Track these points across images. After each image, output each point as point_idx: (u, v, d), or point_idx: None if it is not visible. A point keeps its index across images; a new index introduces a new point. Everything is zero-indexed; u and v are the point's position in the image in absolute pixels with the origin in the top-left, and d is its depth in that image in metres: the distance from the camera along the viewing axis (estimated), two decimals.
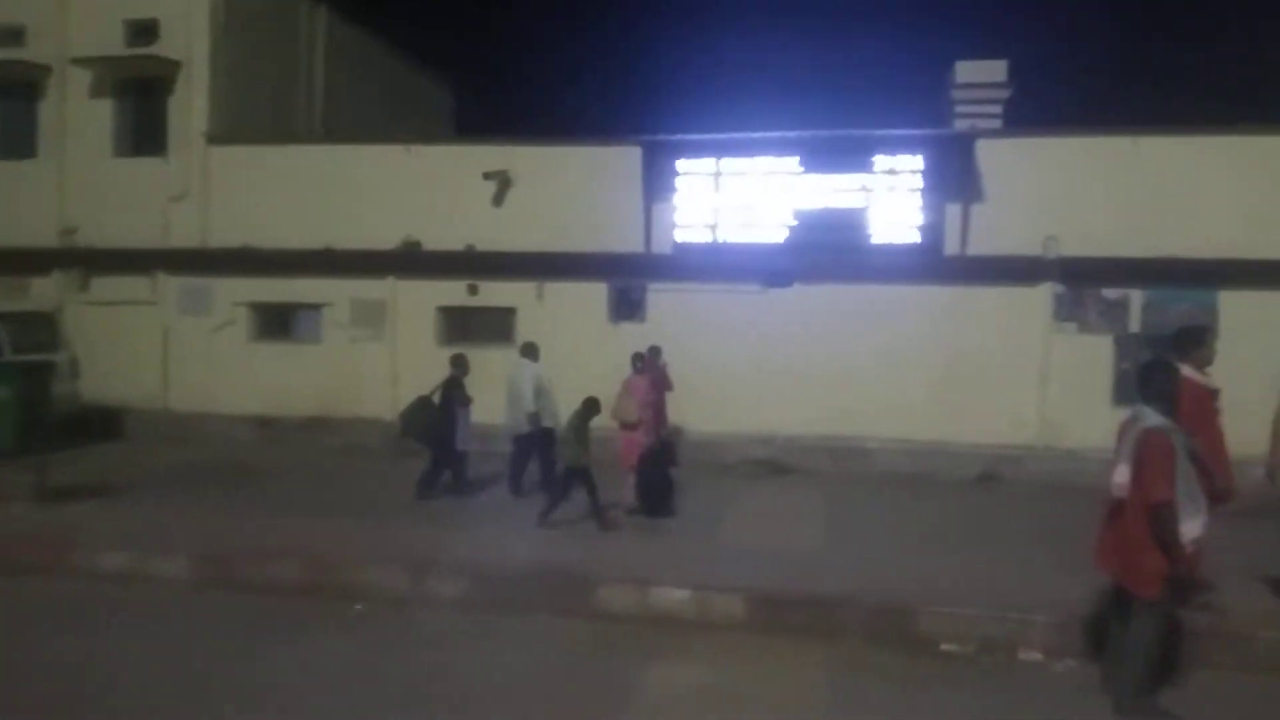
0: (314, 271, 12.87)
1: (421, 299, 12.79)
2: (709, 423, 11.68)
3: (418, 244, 12.72)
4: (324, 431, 12.53)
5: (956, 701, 4.98)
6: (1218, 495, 5.39)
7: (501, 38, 32.05)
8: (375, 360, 12.84)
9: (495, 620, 6.09)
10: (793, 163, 11.81)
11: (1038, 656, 5.56)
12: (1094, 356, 11.13)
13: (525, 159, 12.59)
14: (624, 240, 12.17)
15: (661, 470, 8.88)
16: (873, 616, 5.92)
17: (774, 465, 11.33)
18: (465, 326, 12.78)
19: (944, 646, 5.67)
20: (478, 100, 22.95)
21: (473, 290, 12.61)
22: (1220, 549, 6.05)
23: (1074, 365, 11.14)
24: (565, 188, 12.45)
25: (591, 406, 8.29)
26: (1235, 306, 10.78)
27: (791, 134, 12.03)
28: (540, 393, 9.29)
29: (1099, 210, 11.22)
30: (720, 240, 11.96)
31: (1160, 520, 4.42)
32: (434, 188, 12.81)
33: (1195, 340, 5.72)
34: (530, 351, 9.60)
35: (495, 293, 12.58)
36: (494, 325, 12.56)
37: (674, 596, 6.21)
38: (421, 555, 6.94)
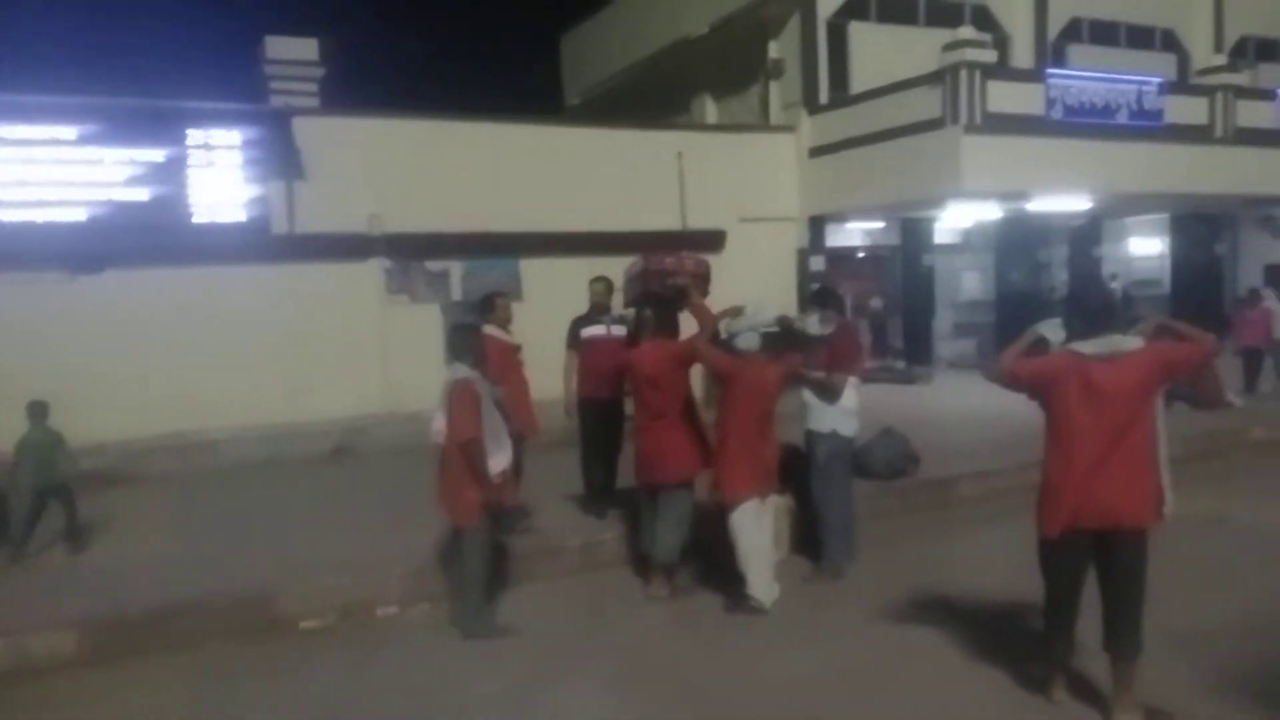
0: None
1: None
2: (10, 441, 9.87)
3: None
4: None
5: (320, 675, 5.06)
6: (523, 433, 6.33)
7: None
8: None
9: None
10: (93, 133, 10.44)
11: (394, 610, 5.92)
12: (425, 324, 12.03)
13: None
14: None
15: None
16: (229, 613, 5.68)
17: (108, 477, 10.00)
18: None
19: (304, 624, 5.70)
20: None
21: None
22: (533, 478, 7.12)
23: (409, 334, 11.90)
24: None
25: None
26: (535, 272, 12.59)
27: (87, 99, 10.64)
28: None
29: (419, 188, 12.09)
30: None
31: (470, 455, 5.05)
32: None
33: (490, 305, 6.58)
34: None
35: None
36: None
37: None
38: None
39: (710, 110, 17.47)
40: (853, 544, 6.44)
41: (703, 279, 6.28)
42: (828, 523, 6.24)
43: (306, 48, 13.31)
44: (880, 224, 16.50)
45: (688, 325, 6.04)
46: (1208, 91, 14.24)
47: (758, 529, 5.68)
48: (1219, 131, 14.11)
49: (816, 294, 6.93)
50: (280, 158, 11.38)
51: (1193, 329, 4.26)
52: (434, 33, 34.37)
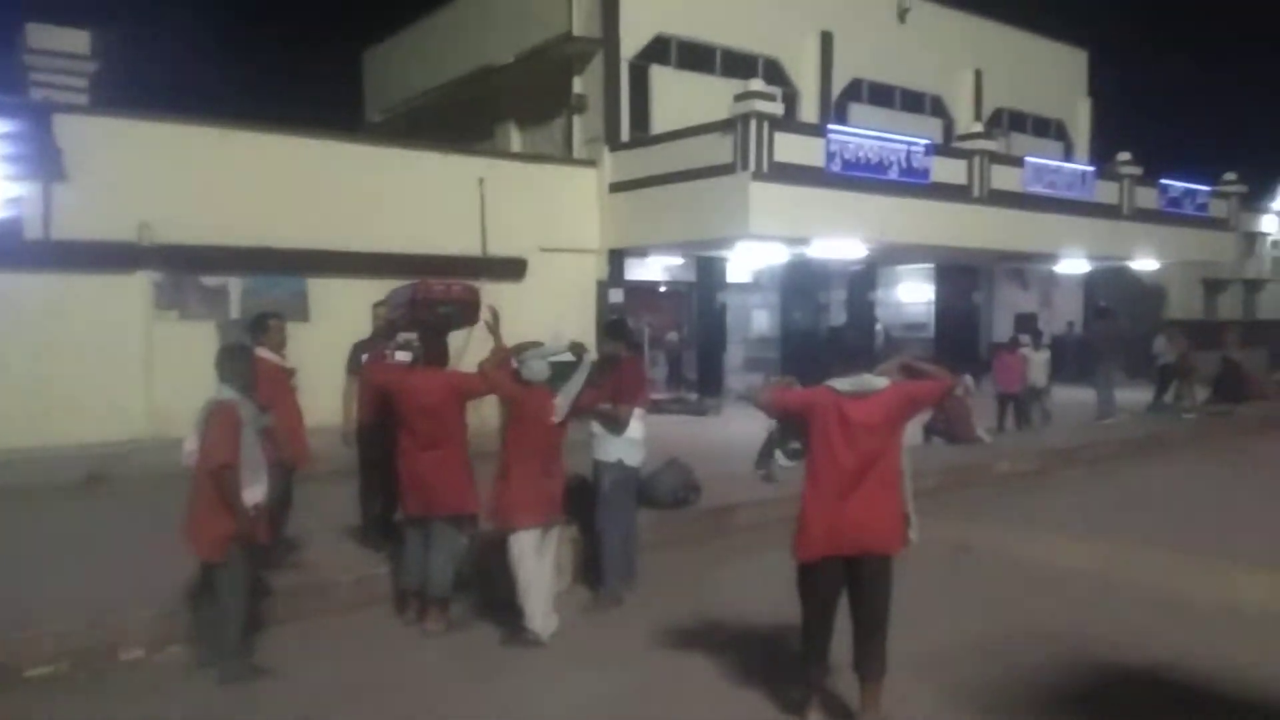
0: None
1: None
2: None
3: None
4: None
5: None
6: (295, 462, 6.02)
7: None
8: None
9: None
10: None
11: (140, 654, 5.42)
12: (197, 343, 11.21)
13: None
14: None
15: None
16: None
17: None
18: None
19: (30, 672, 5.12)
20: None
21: None
22: (306, 510, 6.78)
23: (178, 353, 11.07)
24: None
25: None
26: (323, 293, 12.08)
27: None
28: None
29: (195, 198, 11.36)
30: None
31: (222, 483, 4.73)
32: None
33: (263, 326, 6.24)
34: None
35: None
36: None
37: None
38: None
39: (514, 138, 17.52)
40: (633, 572, 6.54)
41: (471, 307, 6.21)
42: (608, 551, 6.31)
43: (76, 39, 12.28)
44: (679, 260, 17.05)
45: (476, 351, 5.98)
46: (967, 155, 15.73)
47: (538, 560, 5.65)
48: (976, 192, 15.61)
49: (608, 326, 7.07)
50: (39, 156, 10.40)
51: (931, 366, 4.68)
52: (232, 38, 32.62)
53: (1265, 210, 32.60)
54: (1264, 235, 32.77)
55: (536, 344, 5.89)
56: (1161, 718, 4.82)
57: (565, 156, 15.69)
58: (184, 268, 11.24)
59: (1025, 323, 19.36)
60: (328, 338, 8.88)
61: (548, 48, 15.79)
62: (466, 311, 6.16)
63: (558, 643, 5.60)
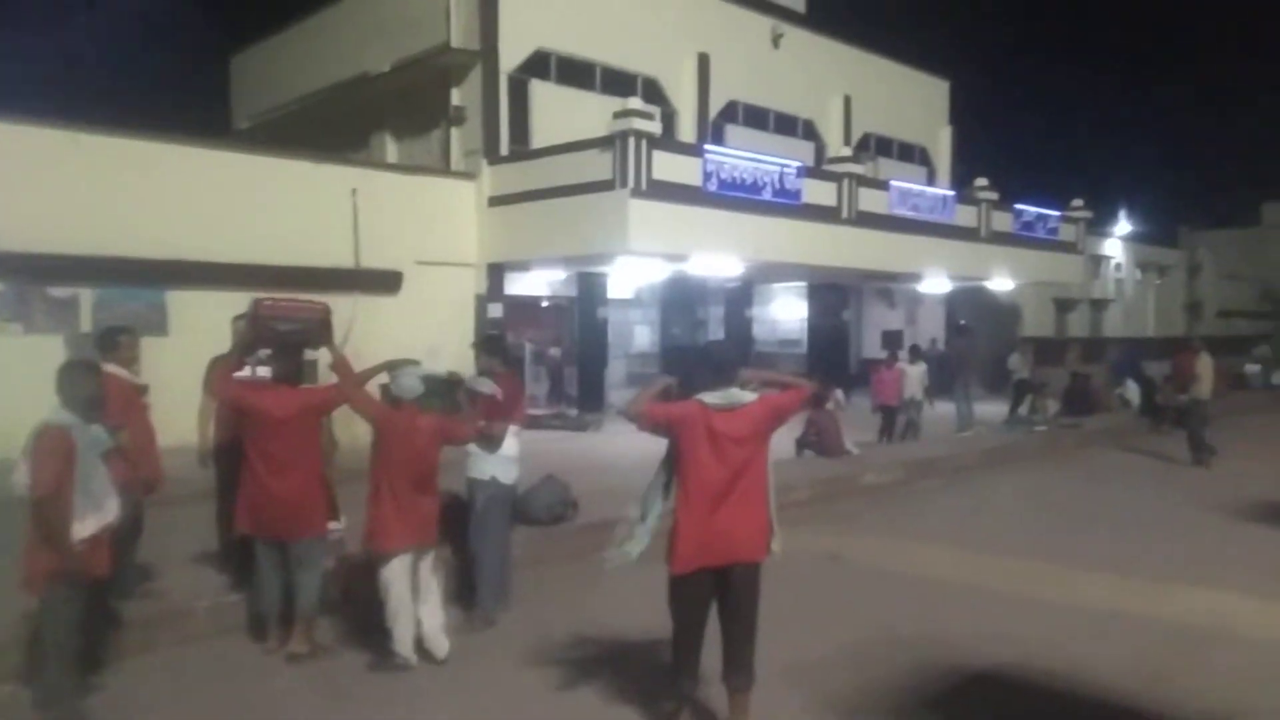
0: None
1: None
2: None
3: None
4: None
5: None
6: (147, 486, 5.70)
7: None
8: None
9: None
10: None
11: None
12: (43, 359, 10.46)
13: None
14: None
15: None
16: None
17: None
18: None
19: None
20: None
21: None
22: (159, 534, 6.43)
23: (20, 370, 10.32)
24: None
25: None
26: (185, 305, 11.52)
27: None
28: None
29: (42, 204, 10.66)
30: None
31: (43, 515, 4.35)
32: None
33: (111, 342, 5.90)
34: None
35: None
36: None
37: None
38: None
39: (390, 149, 17.18)
40: (508, 591, 6.46)
41: (319, 324, 5.96)
42: (482, 571, 6.22)
43: None
44: (561, 275, 17.02)
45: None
46: (837, 178, 16.30)
47: (407, 583, 5.51)
48: (845, 213, 16.19)
49: (484, 342, 6.92)
50: None
51: (790, 378, 4.89)
52: (94, 39, 30.81)
53: (1108, 234, 35.05)
54: (1107, 258, 35.19)
55: (412, 361, 5.77)
56: (1010, 715, 5.08)
57: (443, 169, 15.47)
58: (29, 278, 10.52)
59: (892, 339, 20.19)
60: (188, 352, 8.45)
61: (425, 58, 15.57)
62: (314, 329, 5.91)
63: (426, 666, 5.47)
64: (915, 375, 14.36)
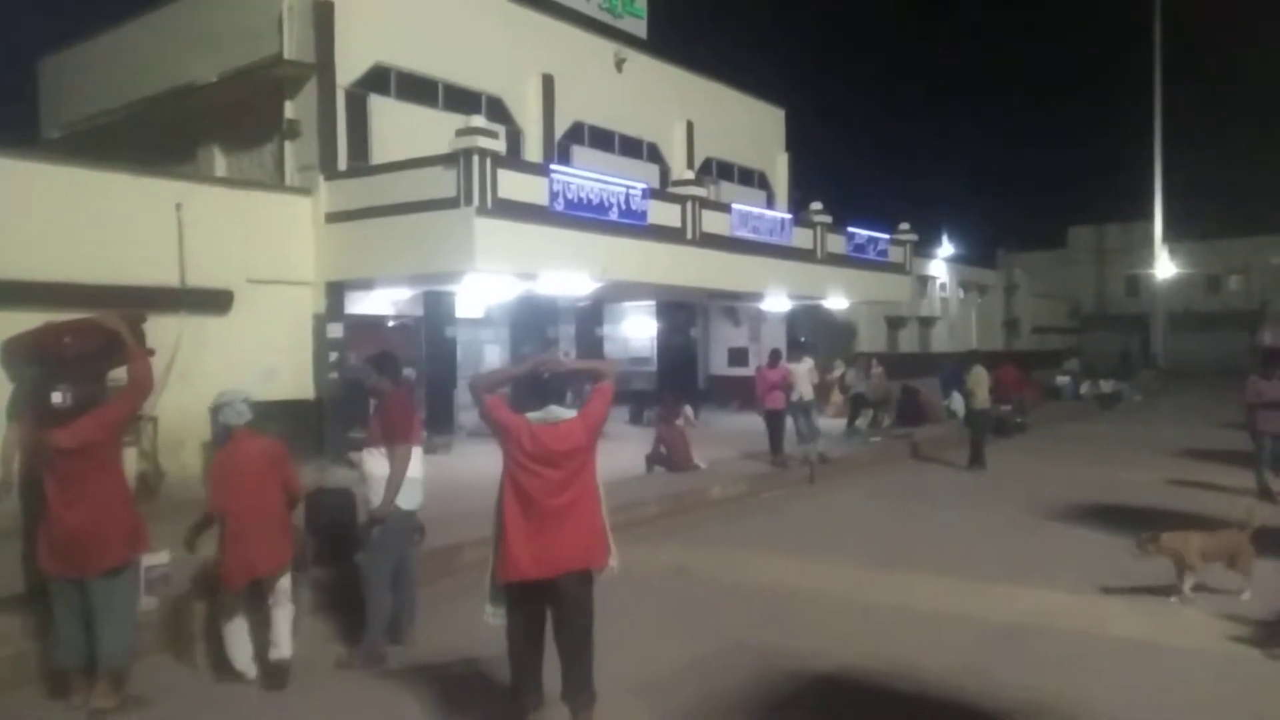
0: None
1: None
2: None
3: None
4: None
5: None
6: None
7: None
8: None
9: None
10: None
11: None
12: None
13: None
14: None
15: None
16: None
17: None
18: None
19: None
20: None
21: None
22: None
23: None
24: None
25: None
26: None
27: None
28: None
29: None
30: None
31: None
32: None
33: None
34: None
35: None
36: None
37: None
38: None
39: (219, 163, 16.32)
40: (413, 617, 6.28)
41: (109, 344, 5.43)
42: (371, 606, 5.84)
43: None
44: (407, 294, 16.59)
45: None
46: (681, 200, 16.66)
47: (243, 620, 5.21)
48: (689, 234, 16.55)
49: (375, 360, 6.34)
50: None
51: (598, 362, 5.04)
52: None
53: (933, 256, 37.37)
54: (933, 279, 37.47)
55: (236, 391, 5.51)
56: (849, 715, 5.26)
57: (276, 183, 14.82)
58: None
59: (739, 356, 20.72)
60: None
61: (256, 69, 14.90)
62: (105, 349, 5.49)
63: (250, 697, 5.16)
64: (803, 373, 13.92)
